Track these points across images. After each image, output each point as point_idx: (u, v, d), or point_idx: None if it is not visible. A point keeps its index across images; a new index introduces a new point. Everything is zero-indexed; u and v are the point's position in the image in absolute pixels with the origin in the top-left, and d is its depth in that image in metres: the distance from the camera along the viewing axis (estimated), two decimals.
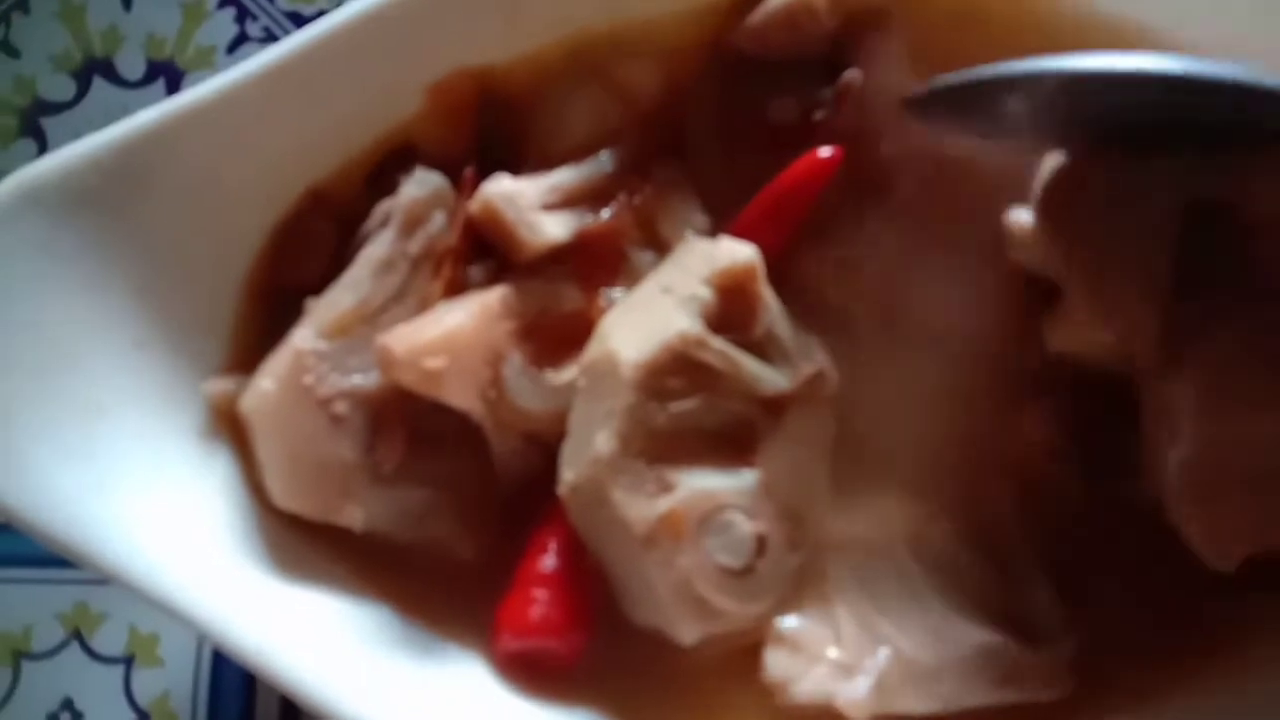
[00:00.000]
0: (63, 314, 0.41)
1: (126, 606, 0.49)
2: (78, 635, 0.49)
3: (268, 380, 0.41)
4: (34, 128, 0.54)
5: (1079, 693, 0.40)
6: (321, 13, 0.55)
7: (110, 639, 0.49)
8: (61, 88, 0.55)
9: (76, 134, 0.53)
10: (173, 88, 0.54)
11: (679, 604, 0.40)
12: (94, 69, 0.55)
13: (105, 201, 0.41)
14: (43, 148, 0.54)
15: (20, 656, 0.49)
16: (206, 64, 0.54)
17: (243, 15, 0.55)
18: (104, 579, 0.46)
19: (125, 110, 0.53)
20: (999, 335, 0.44)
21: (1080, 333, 0.40)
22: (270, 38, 0.55)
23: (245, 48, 0.55)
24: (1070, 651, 0.40)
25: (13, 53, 0.55)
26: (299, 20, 0.55)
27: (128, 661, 0.49)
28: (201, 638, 0.48)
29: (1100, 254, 0.39)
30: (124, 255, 0.42)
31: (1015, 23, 0.43)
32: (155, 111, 0.41)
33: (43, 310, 0.41)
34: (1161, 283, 0.38)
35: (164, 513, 0.40)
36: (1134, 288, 0.38)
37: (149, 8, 0.55)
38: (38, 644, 0.49)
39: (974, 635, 0.40)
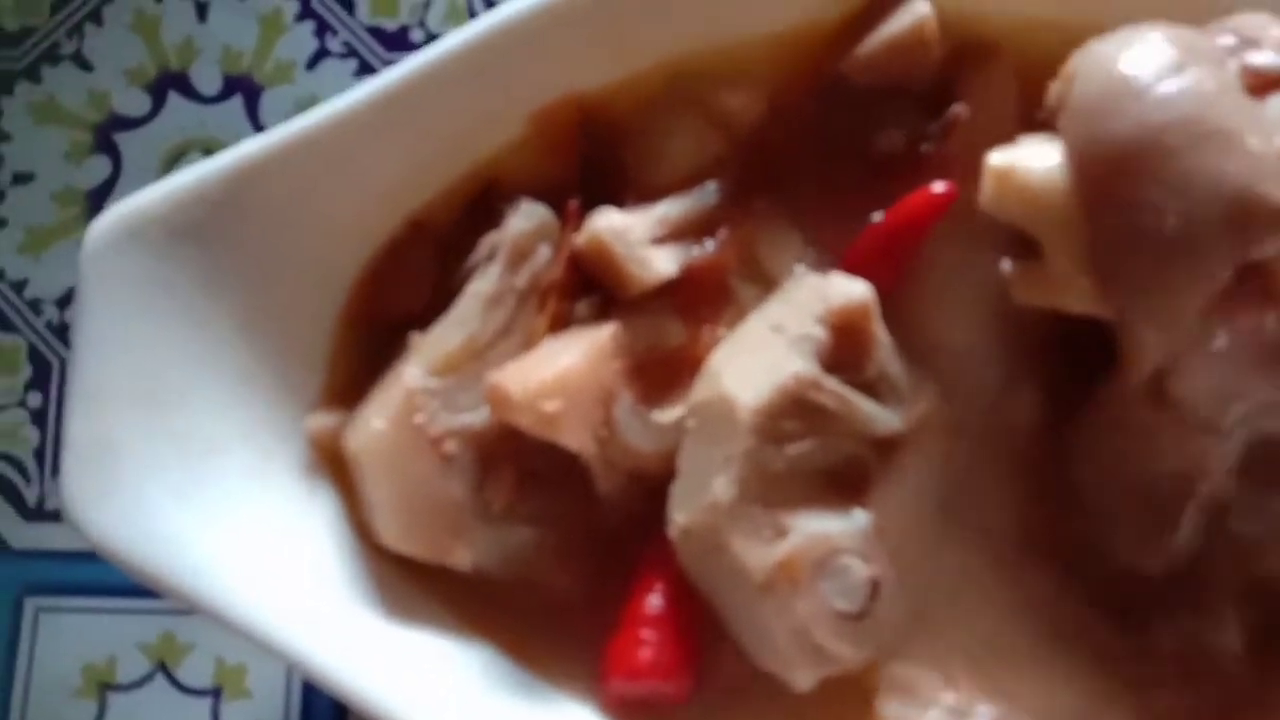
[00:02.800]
0: (166, 347, 0.40)
1: (213, 637, 0.48)
2: (163, 667, 0.49)
3: (378, 419, 0.40)
4: (107, 143, 0.54)
5: None
6: (404, 28, 0.54)
7: (197, 670, 0.48)
8: (135, 102, 0.54)
9: (151, 150, 0.54)
10: (250, 103, 0.53)
11: (796, 650, 0.39)
12: (168, 83, 0.54)
13: (209, 233, 0.41)
14: (116, 164, 0.53)
15: (105, 688, 0.48)
16: (286, 79, 0.54)
17: (322, 29, 0.54)
18: (190, 610, 0.47)
19: (201, 126, 0.54)
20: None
21: (1055, 288, 0.39)
22: (351, 53, 0.54)
23: (325, 63, 0.54)
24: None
25: (85, 66, 0.54)
26: (380, 34, 0.54)
27: (216, 693, 0.48)
28: (290, 669, 0.48)
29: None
30: (226, 287, 0.41)
31: None
32: (259, 142, 0.41)
33: (147, 343, 0.40)
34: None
35: (268, 551, 0.40)
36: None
37: (225, 19, 0.54)
38: (123, 675, 0.49)
39: (1087, 680, 0.40)
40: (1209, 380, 0.37)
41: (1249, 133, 0.35)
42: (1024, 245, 0.41)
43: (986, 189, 0.39)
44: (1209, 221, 0.35)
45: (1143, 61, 0.37)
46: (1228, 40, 0.38)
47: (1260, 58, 0.37)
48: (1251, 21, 0.39)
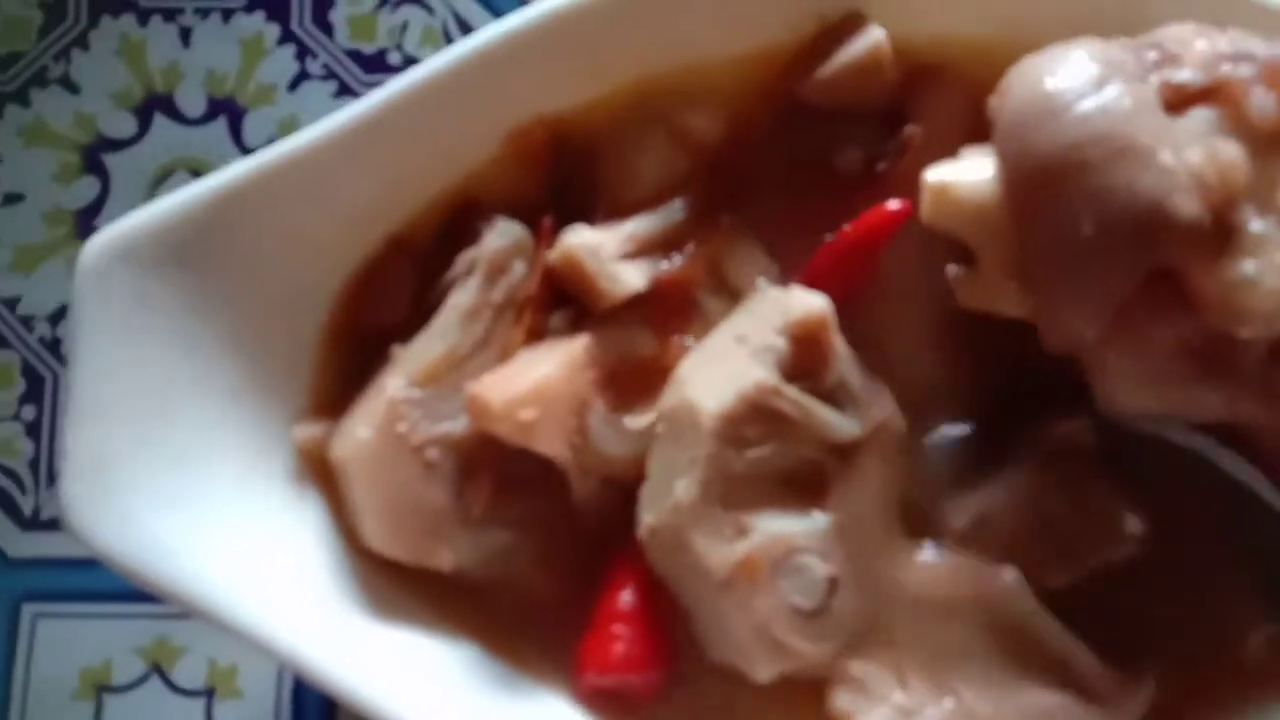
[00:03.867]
0: (157, 364, 0.42)
1: (206, 640, 0.50)
2: (158, 669, 0.50)
3: (363, 428, 0.42)
4: (96, 164, 0.55)
5: None
6: (382, 51, 0.56)
7: (190, 672, 0.50)
8: (123, 124, 0.56)
9: (139, 170, 0.56)
10: (234, 124, 0.55)
11: (756, 644, 0.42)
12: (155, 105, 0.56)
13: (197, 254, 0.42)
14: (105, 184, 0.55)
15: (102, 691, 0.50)
16: (268, 101, 0.55)
17: (303, 53, 0.56)
18: (184, 614, 0.48)
19: (187, 146, 0.55)
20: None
21: (990, 293, 0.42)
22: (331, 75, 0.56)
23: (306, 85, 0.56)
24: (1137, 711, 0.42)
25: (73, 89, 0.56)
26: (358, 57, 0.56)
27: (209, 694, 0.50)
28: (281, 670, 0.50)
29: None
30: (213, 306, 0.43)
31: None
32: (244, 165, 0.43)
33: (138, 361, 0.42)
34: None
35: (260, 557, 0.42)
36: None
37: (209, 44, 0.56)
38: (118, 677, 0.50)
39: (1038, 693, 0.42)
40: (1127, 382, 0.39)
41: (1162, 148, 0.38)
42: (965, 254, 0.43)
43: (924, 203, 0.42)
44: (1121, 230, 0.38)
45: (1066, 78, 0.39)
46: (1151, 55, 0.40)
47: (1180, 74, 0.39)
48: (1176, 34, 0.41)
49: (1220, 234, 0.37)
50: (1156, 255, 0.37)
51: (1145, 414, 0.40)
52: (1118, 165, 0.37)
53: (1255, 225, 0.38)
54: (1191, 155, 0.37)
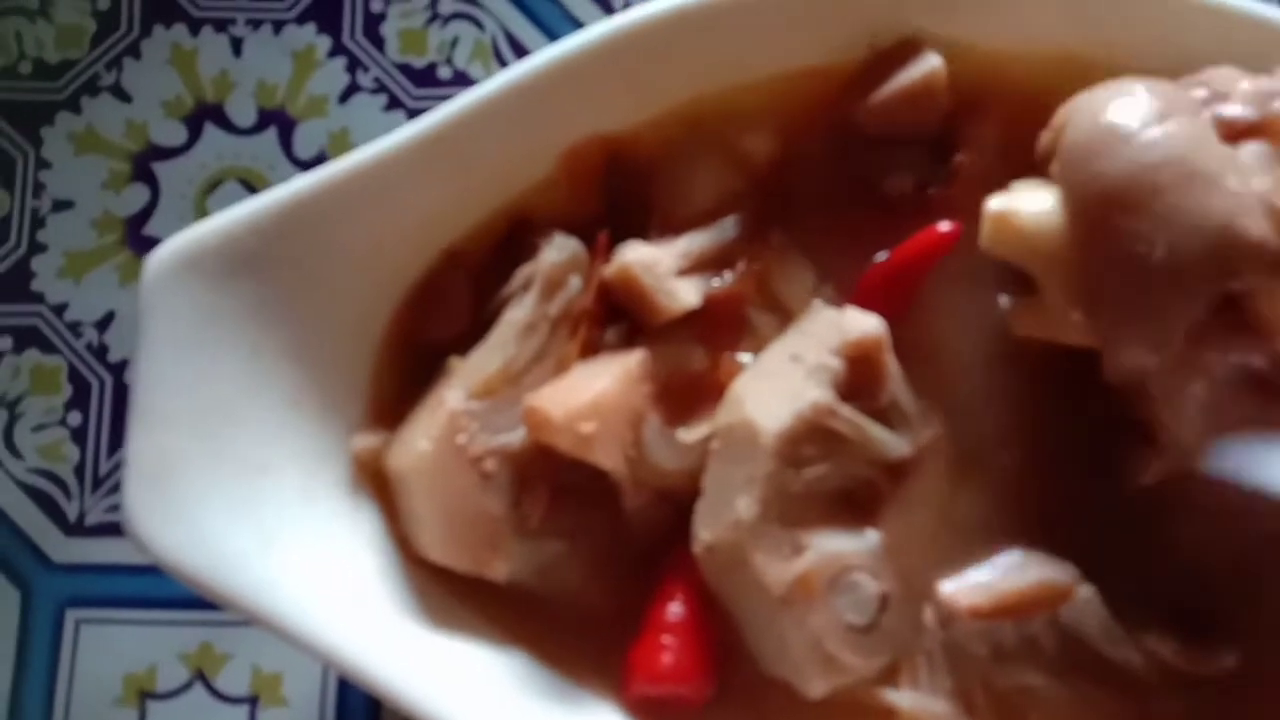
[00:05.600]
0: (221, 374, 0.42)
1: (250, 646, 0.50)
2: (201, 676, 0.51)
3: (423, 440, 0.42)
4: (146, 172, 0.56)
5: None
6: (432, 65, 0.57)
7: (234, 679, 0.50)
8: (173, 133, 0.56)
9: (188, 179, 0.56)
10: (285, 136, 0.56)
11: (810, 660, 0.42)
12: (205, 115, 0.56)
13: (260, 265, 0.43)
14: (154, 192, 0.55)
15: (145, 697, 0.50)
16: (319, 113, 0.56)
17: (353, 65, 0.57)
18: (229, 621, 0.49)
19: (236, 156, 0.56)
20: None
21: (1050, 321, 0.42)
22: (381, 88, 0.56)
23: (356, 97, 0.56)
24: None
25: (124, 98, 0.56)
26: (409, 71, 0.56)
27: (253, 701, 0.50)
28: (326, 676, 0.50)
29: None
30: (275, 316, 0.43)
31: None
32: (308, 179, 0.43)
33: (200, 370, 0.42)
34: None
35: (319, 565, 0.42)
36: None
37: (260, 55, 0.57)
38: (162, 684, 0.50)
39: (1104, 701, 0.42)
40: (1193, 410, 0.40)
41: (1228, 174, 0.39)
42: (1021, 283, 0.44)
43: (985, 230, 0.43)
44: (1193, 251, 0.38)
45: (1129, 110, 0.40)
46: (1200, 93, 0.41)
47: (1230, 109, 0.40)
48: (1221, 75, 0.42)
49: None
50: (1226, 278, 0.38)
51: (1207, 447, 0.41)
52: (1187, 189, 0.38)
53: None
54: (1257, 181, 0.38)
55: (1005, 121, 0.47)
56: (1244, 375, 0.39)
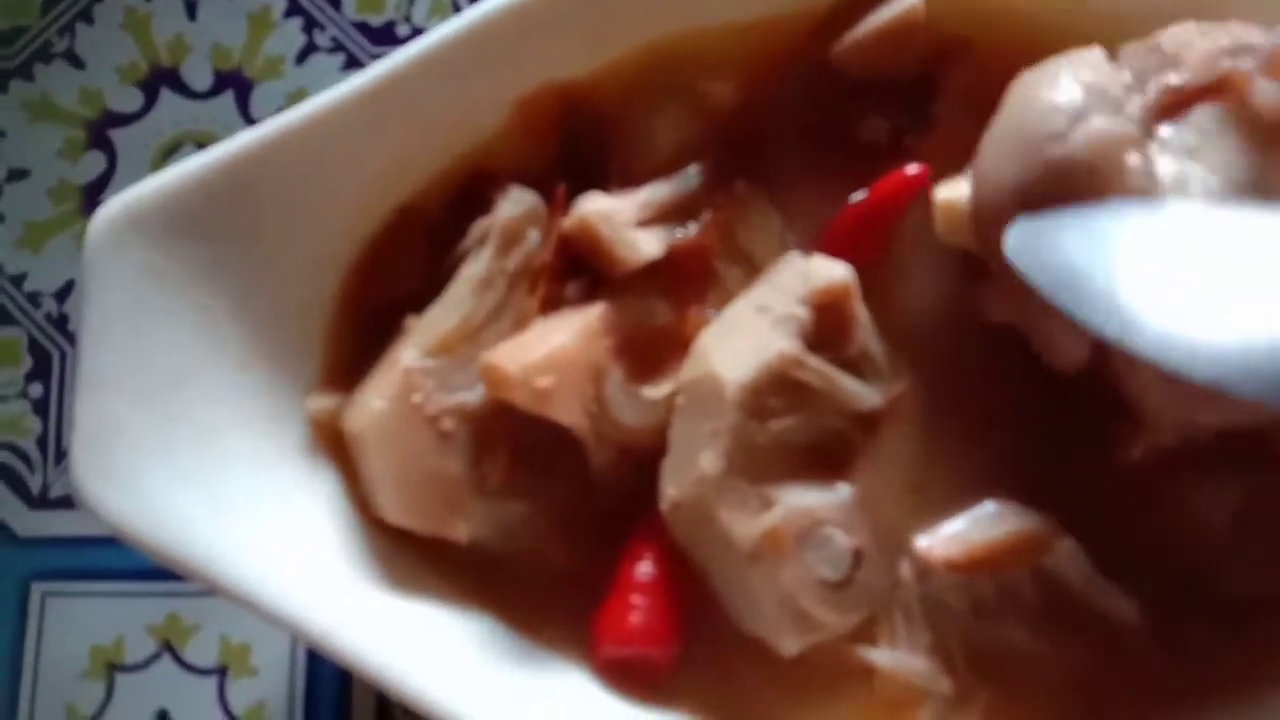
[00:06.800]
0: (167, 336, 0.41)
1: (218, 617, 0.50)
2: (169, 647, 0.50)
3: (378, 399, 0.41)
4: (102, 139, 0.55)
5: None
6: (390, 23, 0.55)
7: (203, 650, 0.50)
8: (129, 99, 0.55)
9: (145, 145, 0.55)
10: (242, 98, 0.55)
11: (782, 616, 0.41)
12: (161, 79, 0.55)
13: (206, 223, 0.42)
14: (112, 159, 0.54)
15: (113, 669, 0.50)
16: (276, 74, 0.55)
17: (310, 25, 0.55)
18: (196, 592, 0.48)
19: (194, 121, 0.55)
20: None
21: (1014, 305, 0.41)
22: (338, 47, 0.55)
23: (313, 58, 0.55)
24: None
25: (78, 64, 0.55)
26: (366, 29, 0.55)
27: (221, 672, 0.49)
28: (295, 645, 0.49)
29: None
30: (224, 276, 0.42)
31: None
32: (253, 134, 0.42)
33: (148, 332, 0.41)
34: None
35: (276, 529, 0.41)
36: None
37: (215, 17, 0.55)
38: (130, 656, 0.50)
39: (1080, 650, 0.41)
40: (1155, 378, 0.38)
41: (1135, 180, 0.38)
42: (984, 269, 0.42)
43: (937, 221, 0.43)
44: None
45: (1050, 110, 0.39)
46: (1152, 60, 0.40)
47: (1176, 76, 0.39)
48: (1176, 35, 0.41)
49: None
50: None
51: (1186, 417, 0.40)
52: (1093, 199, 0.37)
53: None
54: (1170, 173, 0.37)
55: (993, 64, 0.44)
56: None
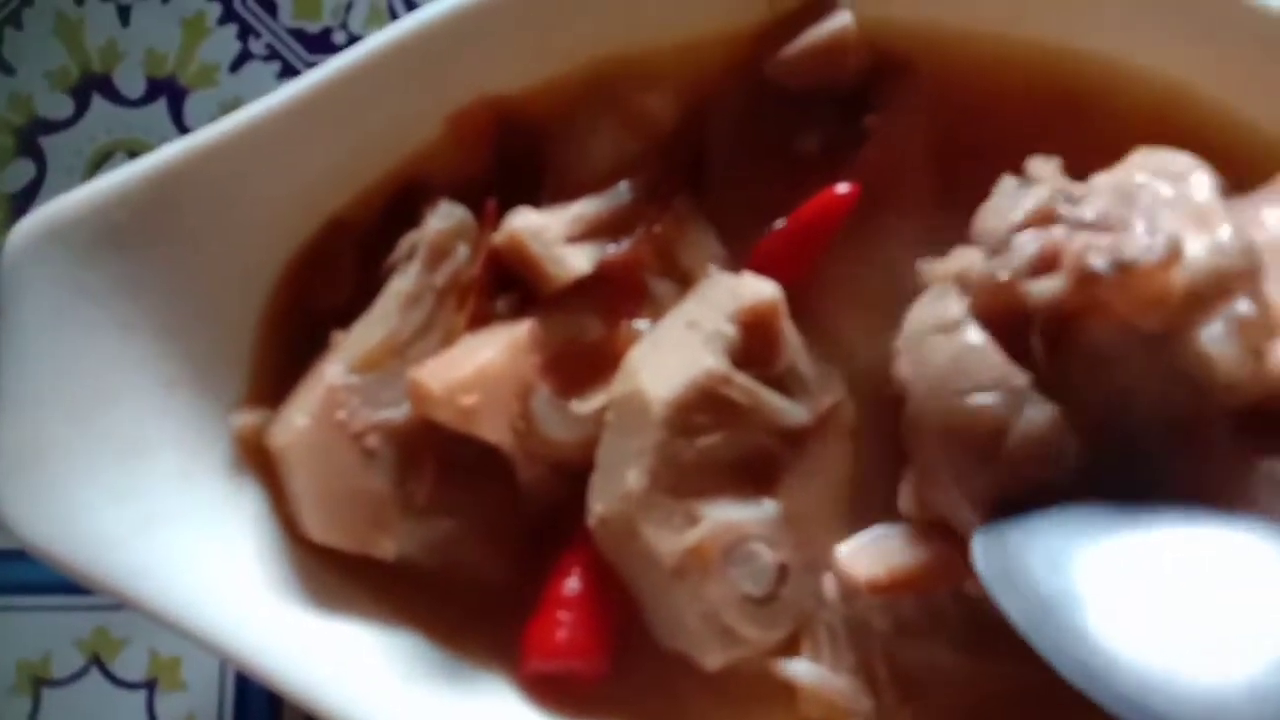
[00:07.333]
0: (91, 352, 0.41)
1: (147, 631, 0.49)
2: (98, 661, 0.49)
3: (301, 416, 0.41)
4: (32, 147, 0.54)
5: None
6: (326, 30, 0.55)
7: (131, 664, 0.49)
8: (59, 105, 0.54)
9: (76, 153, 0.54)
10: (175, 106, 0.54)
11: (706, 632, 0.41)
12: (92, 86, 0.54)
13: (131, 236, 0.41)
14: (41, 167, 0.54)
15: (40, 684, 0.49)
16: (210, 82, 0.54)
17: (245, 32, 0.55)
18: (124, 607, 0.47)
19: (126, 128, 0.54)
20: None
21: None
22: (274, 55, 0.54)
23: (249, 65, 0.54)
24: None
25: (7, 69, 0.54)
26: (302, 37, 0.55)
27: (150, 686, 0.49)
28: (224, 662, 0.49)
29: None
30: (150, 291, 0.42)
31: (1041, 76, 0.44)
32: (180, 145, 0.41)
33: (71, 349, 0.41)
34: None
35: (201, 547, 0.41)
36: None
37: (148, 23, 0.55)
38: (57, 670, 0.49)
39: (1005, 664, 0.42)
40: None
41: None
42: None
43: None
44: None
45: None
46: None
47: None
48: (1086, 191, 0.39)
49: None
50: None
51: None
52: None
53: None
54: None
55: (932, 82, 0.45)
56: None
